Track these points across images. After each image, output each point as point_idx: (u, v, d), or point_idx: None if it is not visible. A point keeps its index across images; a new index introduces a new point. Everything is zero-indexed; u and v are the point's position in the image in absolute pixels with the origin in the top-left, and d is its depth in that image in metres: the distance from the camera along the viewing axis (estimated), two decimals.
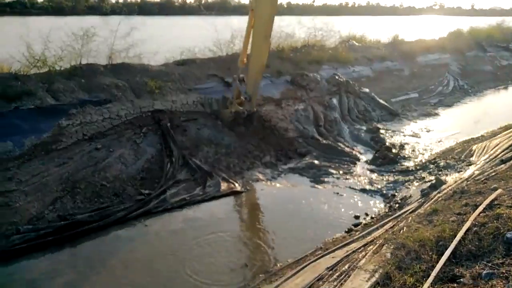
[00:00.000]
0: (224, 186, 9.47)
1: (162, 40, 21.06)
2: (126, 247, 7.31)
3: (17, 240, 7.00)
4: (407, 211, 7.02)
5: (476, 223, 4.73)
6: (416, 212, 6.44)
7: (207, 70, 14.28)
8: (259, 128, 12.41)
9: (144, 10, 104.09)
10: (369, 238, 6.09)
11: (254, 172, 10.49)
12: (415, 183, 9.15)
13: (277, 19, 20.66)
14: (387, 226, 6.44)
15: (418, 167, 10.33)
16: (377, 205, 8.73)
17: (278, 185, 9.93)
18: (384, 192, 9.28)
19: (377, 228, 6.65)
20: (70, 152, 9.33)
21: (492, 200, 5.47)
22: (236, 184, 9.68)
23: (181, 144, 10.81)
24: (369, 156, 11.79)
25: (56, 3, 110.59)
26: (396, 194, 8.88)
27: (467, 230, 4.60)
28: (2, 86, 9.90)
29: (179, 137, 11.07)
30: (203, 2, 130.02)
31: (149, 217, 8.21)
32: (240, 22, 18.53)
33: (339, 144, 12.78)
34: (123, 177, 9.27)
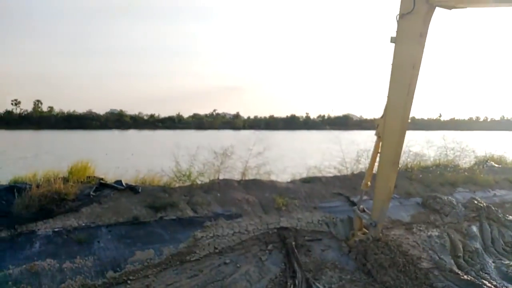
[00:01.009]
0: None
1: (288, 156, 22.39)
2: None
3: None
4: None
5: None
6: None
7: (332, 189, 14.37)
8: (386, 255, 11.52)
9: (270, 125, 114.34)
10: None
11: None
12: None
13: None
14: None
15: None
16: None
17: None
18: None
19: None
20: (201, 264, 9.78)
21: None
22: None
23: (305, 266, 10.51)
24: None
25: (198, 119, 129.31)
26: None
27: None
28: (152, 197, 11.32)
29: (303, 257, 10.84)
30: (325, 117, 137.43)
31: None
32: (363, 138, 18.84)
33: (484, 281, 10.97)
34: None
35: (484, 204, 14.70)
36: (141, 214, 10.71)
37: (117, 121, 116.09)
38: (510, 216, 14.86)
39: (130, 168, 13.45)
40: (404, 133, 10.91)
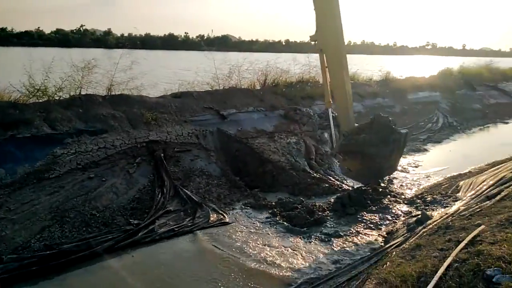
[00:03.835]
0: (213, 217, 9.52)
1: (162, 73, 21.62)
2: (111, 278, 7.27)
3: None
4: (392, 245, 7.10)
5: (458, 259, 4.84)
6: (401, 247, 6.54)
7: (203, 103, 14.62)
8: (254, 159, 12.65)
9: (147, 44, 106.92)
10: (353, 273, 6.15)
11: (244, 203, 10.59)
12: (402, 217, 9.26)
13: (273, 56, 21.40)
14: (372, 261, 6.50)
15: (405, 201, 10.48)
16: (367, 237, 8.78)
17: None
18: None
19: (363, 262, 6.71)
20: (62, 181, 9.40)
21: (475, 236, 5.61)
22: (226, 215, 9.74)
23: (174, 175, 10.93)
24: None
25: (63, 35, 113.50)
26: (382, 228, 8.97)
27: (449, 266, 4.71)
28: (0, 114, 10.10)
29: (172, 167, 11.22)
30: (205, 38, 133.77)
31: (137, 248, 8.19)
32: (238, 58, 19.21)
33: (329, 177, 12.96)
34: (113, 207, 9.32)
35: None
36: None
37: None
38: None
39: None
40: (342, 36, 11.28)
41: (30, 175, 9.15)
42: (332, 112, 12.76)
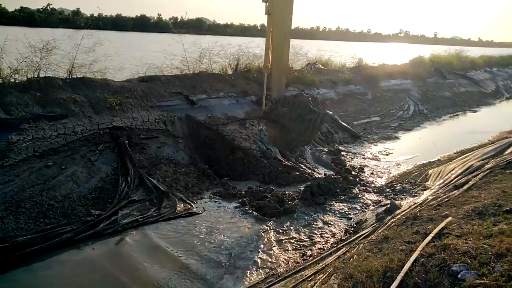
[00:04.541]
0: (180, 207, 9.19)
1: (129, 56, 20.79)
2: (68, 272, 6.88)
3: None
4: (361, 236, 7.01)
5: (424, 253, 4.73)
6: (369, 238, 6.44)
7: (171, 88, 14.09)
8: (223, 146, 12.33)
9: (118, 25, 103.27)
10: (320, 265, 6.01)
11: (213, 192, 10.32)
12: (371, 207, 9.22)
13: (246, 40, 20.94)
14: (340, 252, 6.38)
15: (375, 190, 10.45)
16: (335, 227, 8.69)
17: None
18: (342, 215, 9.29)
19: (331, 254, 6.59)
20: (18, 169, 8.82)
21: (442, 229, 5.54)
22: (193, 205, 9.43)
23: (139, 163, 10.47)
24: None
25: (28, 14, 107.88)
26: (351, 217, 8.90)
27: (415, 261, 4.60)
28: None
29: (137, 155, 10.75)
30: (178, 20, 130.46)
31: (98, 240, 7.79)
32: (210, 41, 18.66)
33: (301, 165, 12.81)
34: (73, 197, 8.83)
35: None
36: None
37: None
38: (328, 111, 17.19)
39: None
40: (291, 6, 11.50)
41: None
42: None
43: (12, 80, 11.00)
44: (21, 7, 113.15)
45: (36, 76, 11.54)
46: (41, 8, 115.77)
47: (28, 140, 9.50)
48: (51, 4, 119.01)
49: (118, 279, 6.64)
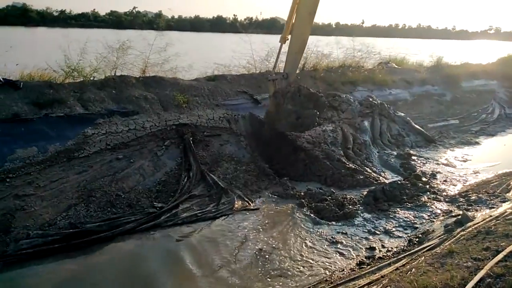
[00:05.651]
0: (238, 204, 9.25)
1: (200, 55, 21.53)
2: (129, 259, 7.24)
3: (25, 244, 7.11)
4: (425, 247, 6.46)
5: (492, 273, 4.21)
6: (433, 251, 5.90)
7: (237, 87, 14.29)
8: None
9: (196, 27, 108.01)
10: (376, 276, 5.62)
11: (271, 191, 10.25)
12: (440, 217, 8.47)
13: (315, 39, 20.57)
14: (399, 264, 5.92)
15: (446, 199, 9.59)
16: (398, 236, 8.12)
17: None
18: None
19: (389, 264, 6.14)
20: (91, 160, 9.51)
21: None
22: (251, 203, 9.43)
23: (201, 159, 10.75)
24: None
25: (116, 17, 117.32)
26: (417, 227, 8.24)
27: (480, 280, 4.10)
28: (36, 93, 10.35)
29: (200, 151, 11.04)
30: (253, 20, 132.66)
31: (158, 231, 8.12)
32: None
33: (366, 168, 12.23)
34: (139, 189, 9.30)
35: (378, 101, 15.78)
36: (22, 111, 9.82)
37: (22, 16, 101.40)
38: (400, 113, 16.26)
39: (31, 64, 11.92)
40: None
41: (61, 153, 9.31)
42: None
43: (91, 78, 11.90)
44: (111, 10, 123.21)
45: (112, 74, 12.37)
46: (128, 11, 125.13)
47: (102, 134, 10.20)
48: (137, 7, 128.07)
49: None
